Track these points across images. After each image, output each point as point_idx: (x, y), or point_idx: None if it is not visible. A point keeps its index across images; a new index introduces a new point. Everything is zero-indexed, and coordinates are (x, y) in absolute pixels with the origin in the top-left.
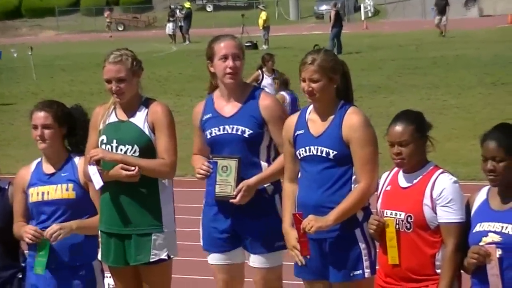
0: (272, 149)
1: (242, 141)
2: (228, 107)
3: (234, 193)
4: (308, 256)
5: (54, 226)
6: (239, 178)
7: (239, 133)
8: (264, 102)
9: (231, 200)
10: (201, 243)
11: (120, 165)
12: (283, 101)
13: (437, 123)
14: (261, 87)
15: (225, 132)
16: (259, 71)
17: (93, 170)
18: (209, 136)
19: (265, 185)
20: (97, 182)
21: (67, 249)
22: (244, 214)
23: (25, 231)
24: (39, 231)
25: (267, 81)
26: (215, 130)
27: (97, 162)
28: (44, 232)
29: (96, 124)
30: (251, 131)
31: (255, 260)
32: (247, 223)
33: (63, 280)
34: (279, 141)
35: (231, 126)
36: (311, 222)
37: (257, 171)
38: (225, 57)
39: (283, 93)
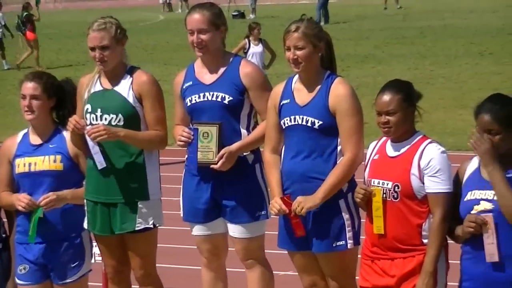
0: (252, 118)
1: (222, 108)
2: (208, 75)
3: (216, 159)
4: (303, 235)
5: (51, 194)
6: (221, 144)
7: (219, 99)
8: (245, 69)
9: (213, 166)
10: (181, 214)
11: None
12: None
13: (424, 93)
14: (248, 55)
15: (205, 99)
16: (246, 40)
17: (95, 150)
18: (189, 104)
19: (245, 154)
20: (100, 162)
21: (56, 218)
22: (225, 184)
23: (19, 199)
24: (32, 200)
25: (253, 49)
26: (195, 97)
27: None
28: (37, 201)
29: (81, 94)
30: (231, 98)
31: (235, 230)
32: (228, 192)
33: (52, 249)
34: (260, 108)
35: (211, 93)
36: (301, 204)
37: (237, 139)
38: (191, 32)
39: None
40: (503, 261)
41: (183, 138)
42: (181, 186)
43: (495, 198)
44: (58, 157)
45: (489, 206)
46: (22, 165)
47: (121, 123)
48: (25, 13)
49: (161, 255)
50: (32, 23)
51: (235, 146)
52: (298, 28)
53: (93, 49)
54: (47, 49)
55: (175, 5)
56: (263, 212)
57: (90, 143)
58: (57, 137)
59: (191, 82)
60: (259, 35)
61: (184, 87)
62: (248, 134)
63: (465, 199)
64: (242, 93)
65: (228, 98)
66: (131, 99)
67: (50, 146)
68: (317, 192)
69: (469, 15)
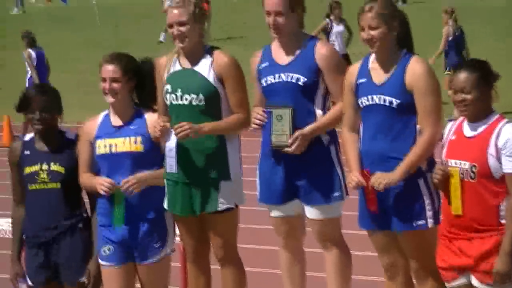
0: (328, 99)
1: (296, 89)
2: (284, 56)
3: (290, 142)
4: (376, 212)
5: (131, 179)
6: (294, 127)
7: (293, 80)
8: (321, 51)
9: (286, 149)
10: (257, 195)
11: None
12: (29, 57)
13: (503, 72)
14: (331, 35)
15: (280, 80)
16: (327, 19)
17: (171, 153)
18: (264, 84)
19: (321, 136)
20: (171, 166)
21: (136, 200)
22: (300, 166)
23: (100, 183)
24: (114, 184)
25: (336, 29)
26: (270, 78)
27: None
28: (118, 185)
29: (160, 75)
30: (305, 79)
31: (311, 212)
32: (302, 174)
33: (134, 230)
34: (334, 90)
35: (286, 74)
36: (379, 179)
37: (312, 120)
38: (268, 13)
39: (29, 50)
40: None
41: (257, 121)
42: (257, 167)
43: None
44: (139, 138)
45: None
46: (102, 146)
47: (202, 103)
48: None
49: (239, 235)
50: None
51: (308, 129)
52: (372, 8)
53: (171, 25)
54: (124, 29)
55: None
56: (338, 194)
57: (168, 146)
58: (138, 118)
59: (267, 63)
60: (341, 15)
61: (260, 67)
62: (323, 115)
63: None
64: (317, 75)
65: (303, 79)
66: (211, 78)
67: (131, 127)
68: (396, 170)
69: None
